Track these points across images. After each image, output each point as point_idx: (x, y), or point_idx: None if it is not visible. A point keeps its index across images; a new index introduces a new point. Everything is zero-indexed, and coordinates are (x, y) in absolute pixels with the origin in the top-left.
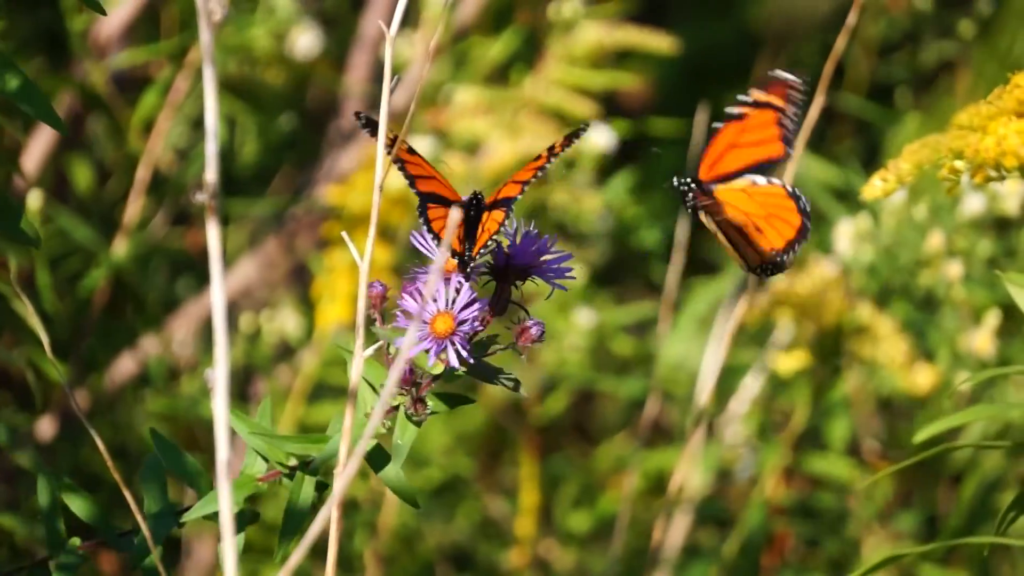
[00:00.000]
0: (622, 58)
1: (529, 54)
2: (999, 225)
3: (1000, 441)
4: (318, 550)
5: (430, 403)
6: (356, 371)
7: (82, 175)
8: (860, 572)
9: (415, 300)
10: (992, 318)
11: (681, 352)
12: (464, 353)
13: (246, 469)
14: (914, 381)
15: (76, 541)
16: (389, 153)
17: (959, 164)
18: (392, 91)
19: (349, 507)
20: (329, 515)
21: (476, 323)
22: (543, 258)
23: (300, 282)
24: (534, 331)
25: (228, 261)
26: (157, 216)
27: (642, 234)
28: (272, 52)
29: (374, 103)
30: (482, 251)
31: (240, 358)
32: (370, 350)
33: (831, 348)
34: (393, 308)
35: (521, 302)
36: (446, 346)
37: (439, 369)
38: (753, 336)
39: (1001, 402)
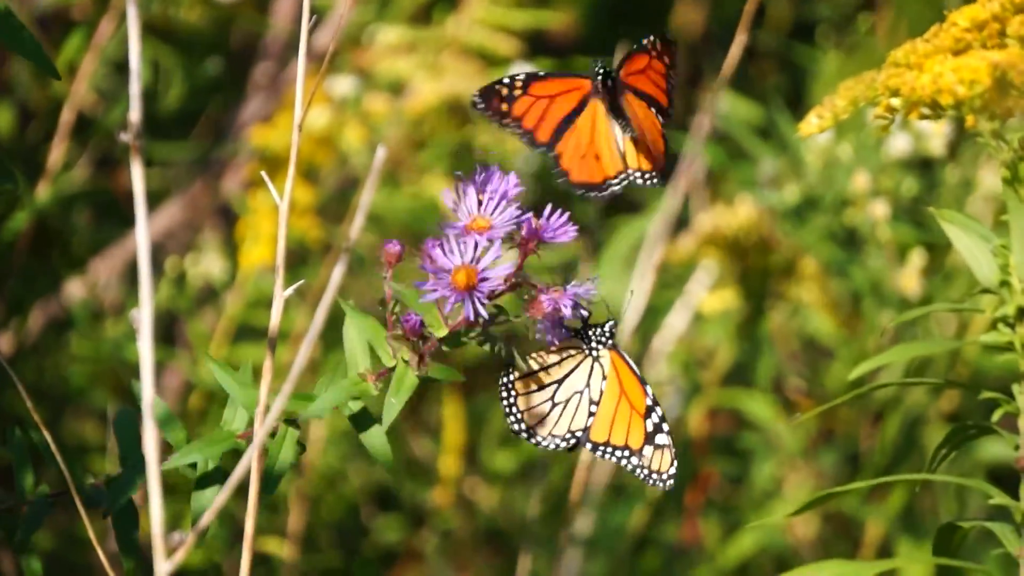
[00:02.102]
0: None
1: None
2: (924, 165)
3: (922, 378)
4: (242, 491)
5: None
6: (276, 312)
7: (4, 117)
8: (790, 513)
9: (442, 252)
10: (917, 257)
11: (605, 290)
12: (481, 309)
13: (225, 425)
14: (838, 320)
15: (46, 489)
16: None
17: (895, 102)
18: (312, 31)
19: None
20: (251, 456)
21: (499, 283)
22: (561, 232)
23: (225, 224)
24: (546, 305)
25: (153, 204)
26: (81, 159)
27: None
28: None
29: (297, 45)
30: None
31: (164, 301)
32: (290, 290)
33: (756, 287)
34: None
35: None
36: (464, 299)
37: (443, 332)
38: (677, 275)
39: (925, 340)
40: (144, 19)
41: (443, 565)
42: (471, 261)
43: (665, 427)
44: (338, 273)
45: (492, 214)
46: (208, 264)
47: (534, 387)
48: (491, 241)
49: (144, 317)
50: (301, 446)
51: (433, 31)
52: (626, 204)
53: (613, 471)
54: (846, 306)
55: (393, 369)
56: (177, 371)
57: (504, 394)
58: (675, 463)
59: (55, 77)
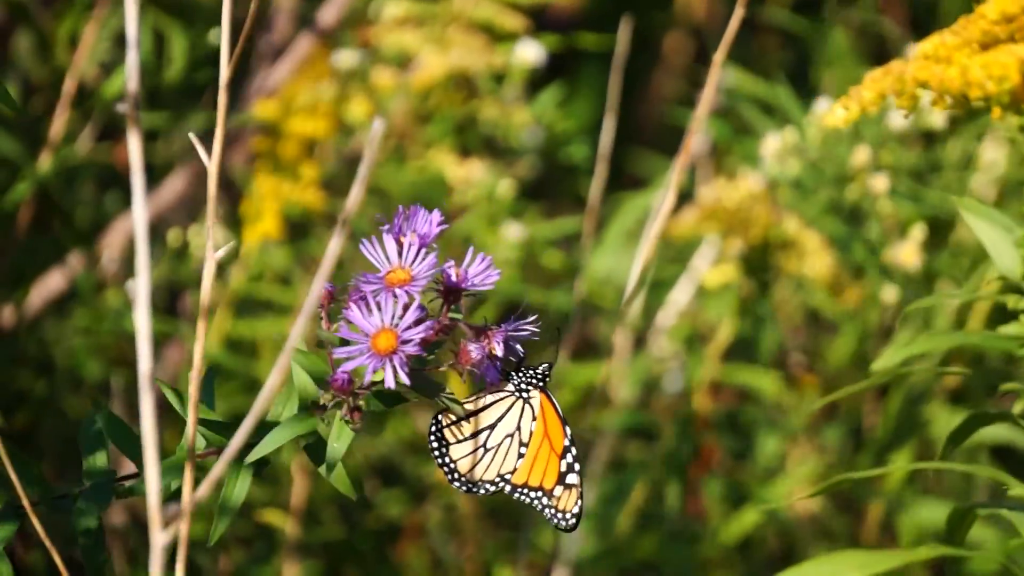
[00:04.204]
0: None
1: None
2: (925, 138)
3: (930, 362)
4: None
5: (368, 404)
6: (208, 276)
7: (7, 89)
8: (801, 497)
9: (360, 310)
10: (918, 231)
11: (609, 265)
12: (402, 374)
13: (184, 445)
14: (840, 295)
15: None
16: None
17: (920, 92)
18: (317, 5)
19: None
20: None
21: (418, 348)
22: (483, 278)
23: (230, 198)
24: (475, 354)
25: (157, 177)
26: (84, 131)
27: (571, 148)
28: None
29: (304, 16)
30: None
31: (167, 273)
32: (220, 252)
33: (758, 262)
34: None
35: (464, 322)
36: (384, 364)
37: (380, 377)
38: (681, 250)
39: (935, 328)
40: None
41: (445, 540)
42: (391, 321)
43: (576, 467)
44: (335, 245)
45: (412, 263)
46: (213, 235)
47: (466, 434)
48: (411, 296)
49: (141, 288)
50: (265, 462)
51: (440, 6)
52: (631, 179)
53: (614, 446)
54: (848, 281)
55: (337, 405)
56: (179, 344)
57: (435, 444)
58: (580, 502)
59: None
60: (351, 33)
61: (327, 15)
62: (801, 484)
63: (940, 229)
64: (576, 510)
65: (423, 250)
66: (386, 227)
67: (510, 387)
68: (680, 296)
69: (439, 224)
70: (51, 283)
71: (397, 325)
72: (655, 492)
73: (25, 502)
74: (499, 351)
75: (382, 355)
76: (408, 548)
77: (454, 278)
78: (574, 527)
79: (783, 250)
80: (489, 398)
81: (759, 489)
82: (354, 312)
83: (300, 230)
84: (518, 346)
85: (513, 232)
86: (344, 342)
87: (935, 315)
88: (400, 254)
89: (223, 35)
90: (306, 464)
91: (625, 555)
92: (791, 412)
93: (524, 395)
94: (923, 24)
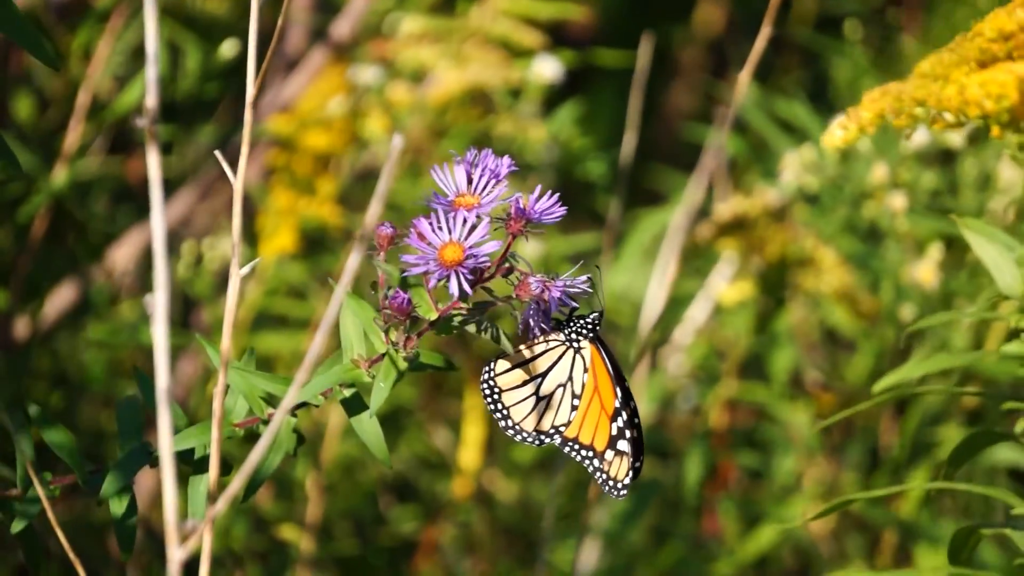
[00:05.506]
0: None
1: None
2: (943, 157)
3: (944, 379)
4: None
5: (421, 353)
6: (233, 288)
7: (22, 102)
8: (812, 517)
9: (430, 224)
10: (935, 250)
11: (625, 282)
12: (466, 285)
13: (226, 413)
14: (857, 313)
15: (48, 475)
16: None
17: (919, 111)
18: (331, 20)
19: None
20: (266, 444)
21: (484, 260)
22: (549, 212)
23: (245, 212)
24: (535, 287)
25: (170, 189)
26: (94, 144)
27: (588, 165)
28: None
29: (318, 31)
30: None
31: (181, 286)
32: (246, 268)
33: (775, 279)
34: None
35: (523, 258)
36: (450, 275)
37: (433, 315)
38: (698, 267)
39: (946, 346)
40: (161, 3)
41: (460, 556)
42: (459, 238)
43: (628, 433)
44: (354, 261)
45: (481, 192)
46: (225, 249)
47: (518, 382)
48: (479, 218)
49: (159, 302)
50: (299, 435)
51: (457, 21)
52: (649, 195)
53: None
54: (865, 298)
55: (383, 356)
56: (194, 357)
57: (487, 391)
58: (631, 473)
59: (53, 67)
60: (367, 48)
61: (341, 28)
62: (817, 503)
63: (957, 248)
64: (627, 480)
65: (492, 181)
66: (457, 159)
67: (560, 336)
68: (697, 313)
69: (509, 166)
70: (65, 296)
71: (464, 241)
72: (673, 510)
73: (41, 491)
74: (555, 301)
75: (448, 266)
76: (422, 564)
77: (521, 207)
78: (624, 496)
79: (800, 267)
80: (540, 346)
81: (775, 508)
82: (424, 224)
83: (316, 244)
84: (571, 301)
85: (530, 248)
86: (412, 252)
87: (951, 334)
88: (470, 183)
89: (250, 53)
90: (320, 480)
91: (641, 573)
92: (807, 430)
93: (575, 344)
94: (942, 43)
